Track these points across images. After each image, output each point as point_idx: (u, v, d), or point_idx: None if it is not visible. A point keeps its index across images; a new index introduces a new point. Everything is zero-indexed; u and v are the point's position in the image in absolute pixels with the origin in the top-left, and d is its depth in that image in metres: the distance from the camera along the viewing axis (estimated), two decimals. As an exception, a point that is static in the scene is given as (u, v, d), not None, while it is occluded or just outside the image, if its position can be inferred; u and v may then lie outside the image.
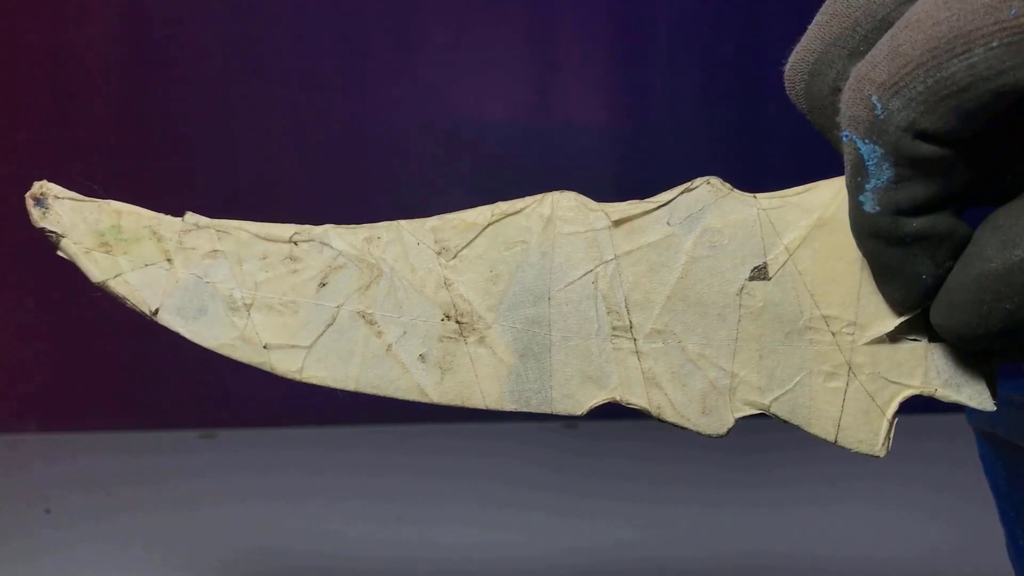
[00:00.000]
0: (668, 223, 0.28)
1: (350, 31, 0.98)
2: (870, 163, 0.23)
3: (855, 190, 0.24)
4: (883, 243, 0.24)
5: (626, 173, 0.98)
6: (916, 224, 0.24)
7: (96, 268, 0.28)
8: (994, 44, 0.21)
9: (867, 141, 0.23)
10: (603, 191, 0.29)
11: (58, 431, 0.99)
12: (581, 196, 0.29)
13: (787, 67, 0.27)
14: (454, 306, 0.28)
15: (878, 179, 0.23)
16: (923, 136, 0.22)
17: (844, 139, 0.24)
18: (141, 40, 0.98)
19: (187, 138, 0.99)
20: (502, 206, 0.29)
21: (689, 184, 0.28)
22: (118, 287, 0.28)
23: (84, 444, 0.94)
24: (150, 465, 0.87)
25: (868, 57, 0.23)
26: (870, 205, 0.24)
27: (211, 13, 0.98)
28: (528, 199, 0.29)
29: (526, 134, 0.99)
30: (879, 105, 0.22)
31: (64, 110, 0.97)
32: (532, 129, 0.99)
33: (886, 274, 0.26)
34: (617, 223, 0.28)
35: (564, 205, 0.28)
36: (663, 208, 0.28)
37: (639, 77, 0.99)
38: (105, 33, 0.97)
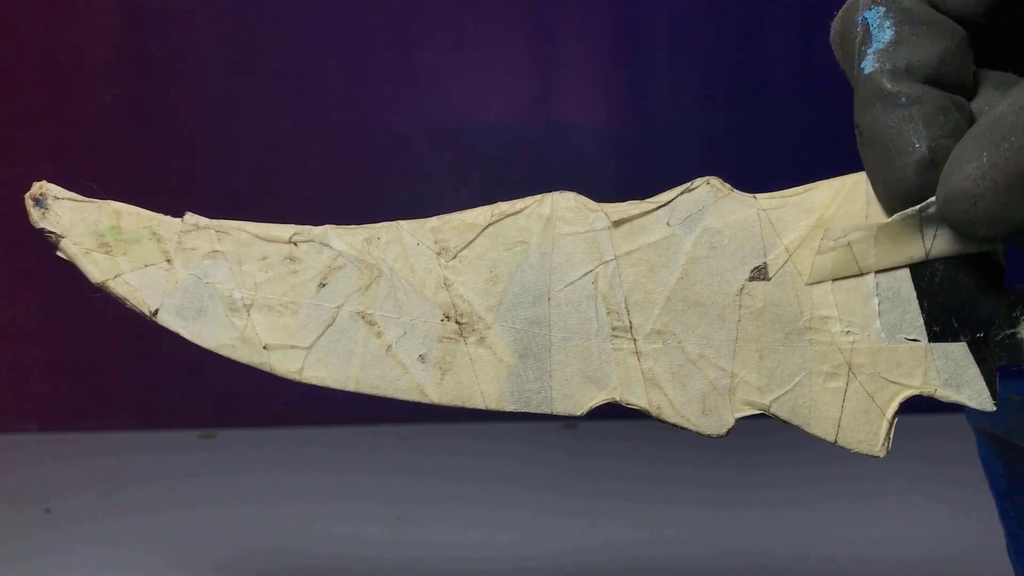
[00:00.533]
0: (668, 223, 0.28)
1: (350, 31, 0.98)
2: (873, 26, 0.25)
3: (860, 61, 0.25)
4: (880, 108, 0.25)
5: (626, 173, 0.98)
6: (911, 87, 0.24)
7: (96, 269, 0.28)
8: None
9: (871, 7, 0.25)
10: (603, 191, 0.29)
11: (58, 431, 0.98)
12: (581, 196, 0.29)
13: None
14: (454, 306, 0.28)
15: (879, 40, 0.24)
16: None
17: (857, 28, 0.25)
18: (141, 40, 0.98)
19: (186, 138, 0.99)
20: (502, 206, 0.29)
21: (689, 184, 0.28)
22: (118, 288, 0.28)
23: (84, 444, 0.93)
24: (150, 465, 0.87)
25: None
26: (870, 65, 0.25)
27: (211, 13, 0.98)
28: (528, 199, 0.29)
29: (526, 134, 0.99)
30: None
31: (63, 110, 0.97)
32: (532, 129, 0.99)
33: (881, 149, 0.25)
34: (617, 223, 0.28)
35: (564, 205, 0.28)
36: (663, 208, 0.28)
37: (639, 77, 0.99)
38: (105, 33, 0.97)
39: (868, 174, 0.27)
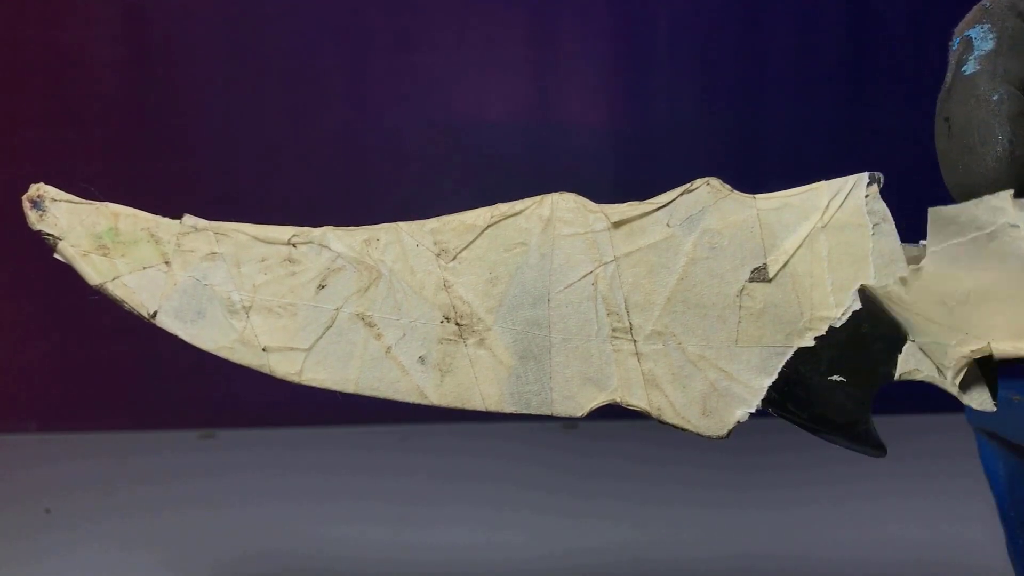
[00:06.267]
0: (668, 224, 0.28)
1: (350, 31, 0.98)
2: (976, 38, 0.28)
3: (958, 67, 0.28)
4: (973, 102, 0.27)
5: (626, 174, 0.98)
6: (1004, 88, 0.27)
7: (94, 271, 0.28)
8: None
9: (976, 25, 0.28)
10: (603, 192, 0.29)
11: (58, 431, 0.98)
12: (580, 197, 0.28)
13: None
14: (453, 308, 0.28)
15: (980, 49, 0.28)
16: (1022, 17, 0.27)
17: (951, 48, 0.28)
18: (141, 40, 0.98)
19: (185, 139, 0.99)
20: (501, 208, 0.28)
21: (689, 185, 0.28)
22: (116, 290, 0.28)
23: (84, 444, 0.93)
24: (150, 465, 0.87)
25: None
26: (970, 67, 0.27)
27: (211, 13, 0.98)
28: (527, 200, 0.28)
29: (526, 134, 0.99)
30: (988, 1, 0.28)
31: (62, 111, 0.97)
32: (532, 129, 0.99)
33: (966, 138, 0.27)
34: (617, 224, 0.28)
35: (563, 207, 0.28)
36: (663, 209, 0.28)
37: (639, 77, 0.99)
38: (105, 33, 0.97)
39: (944, 163, 0.28)
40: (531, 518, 0.71)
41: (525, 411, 0.28)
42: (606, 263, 0.28)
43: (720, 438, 0.29)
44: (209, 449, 0.93)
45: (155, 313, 0.28)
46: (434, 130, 0.99)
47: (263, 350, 0.28)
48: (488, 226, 0.28)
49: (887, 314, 0.27)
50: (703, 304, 0.28)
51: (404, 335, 0.28)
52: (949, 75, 0.28)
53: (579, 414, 0.28)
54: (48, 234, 0.28)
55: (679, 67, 0.98)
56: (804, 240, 0.28)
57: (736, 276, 0.28)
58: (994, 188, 0.26)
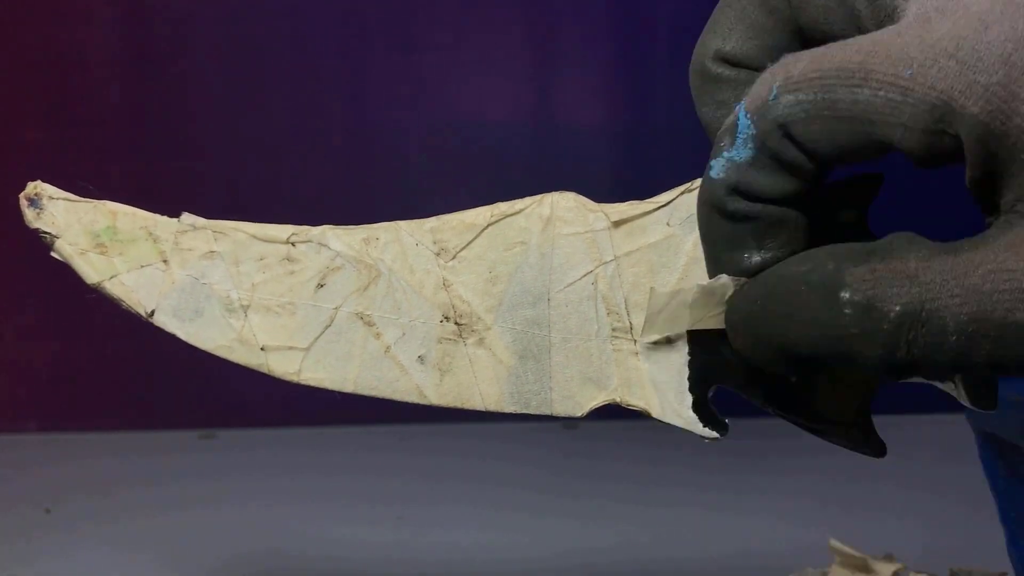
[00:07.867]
0: (668, 224, 0.28)
1: (350, 31, 0.98)
2: (739, 135, 0.24)
3: (714, 154, 0.24)
4: (716, 214, 0.24)
5: (626, 173, 0.98)
6: (746, 205, 0.24)
7: (91, 269, 0.28)
8: (881, 92, 0.21)
9: (748, 116, 0.23)
10: (603, 191, 0.29)
11: (58, 431, 0.98)
12: (581, 197, 0.28)
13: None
14: (453, 307, 0.28)
15: (736, 153, 0.24)
16: (790, 138, 0.23)
17: (736, 105, 0.24)
18: (141, 40, 0.98)
19: (185, 138, 0.98)
20: (501, 207, 0.28)
21: (690, 184, 0.28)
22: (113, 288, 0.28)
23: (84, 444, 0.93)
24: (150, 465, 0.87)
25: (804, 51, 0.24)
26: (716, 171, 0.24)
27: (211, 13, 0.98)
28: (527, 200, 0.28)
29: (526, 134, 0.99)
30: (775, 93, 0.23)
31: (60, 110, 0.97)
32: (532, 129, 0.99)
33: (713, 252, 0.25)
34: (617, 224, 0.28)
35: (563, 206, 0.28)
36: (663, 209, 0.28)
37: (639, 77, 0.99)
38: (105, 33, 0.97)
39: (706, 261, 0.26)
40: (531, 518, 0.71)
41: (525, 411, 0.28)
42: (606, 262, 0.28)
43: (719, 438, 0.29)
44: (209, 449, 0.92)
45: (153, 312, 0.28)
46: (434, 130, 0.99)
47: (261, 349, 0.28)
48: (488, 225, 0.28)
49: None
50: (703, 303, 0.28)
51: (403, 334, 0.28)
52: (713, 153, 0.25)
53: (579, 414, 0.28)
54: (45, 232, 0.27)
55: (679, 67, 0.98)
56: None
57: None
58: None
